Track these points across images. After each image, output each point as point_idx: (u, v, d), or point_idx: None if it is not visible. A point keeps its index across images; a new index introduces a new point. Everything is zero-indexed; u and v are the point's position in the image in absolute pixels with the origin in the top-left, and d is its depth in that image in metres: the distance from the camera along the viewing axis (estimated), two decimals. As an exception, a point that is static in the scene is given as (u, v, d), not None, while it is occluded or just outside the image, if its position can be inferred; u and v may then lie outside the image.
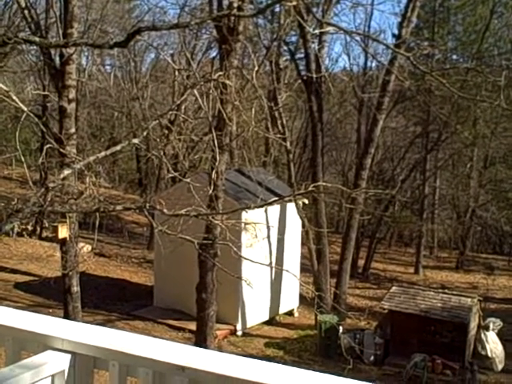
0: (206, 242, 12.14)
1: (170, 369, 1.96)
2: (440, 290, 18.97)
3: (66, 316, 13.36)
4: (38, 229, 26.19)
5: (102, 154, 8.39)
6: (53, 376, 2.07)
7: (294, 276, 11.74)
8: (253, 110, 12.77)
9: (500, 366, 17.06)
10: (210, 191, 9.90)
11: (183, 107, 24.11)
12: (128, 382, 2.13)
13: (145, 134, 8.75)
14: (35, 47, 20.58)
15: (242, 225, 13.73)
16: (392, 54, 20.05)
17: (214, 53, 27.39)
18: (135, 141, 8.51)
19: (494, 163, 32.50)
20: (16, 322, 2.25)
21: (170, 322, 18.43)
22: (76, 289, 13.66)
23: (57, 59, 13.28)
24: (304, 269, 21.87)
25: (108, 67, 36.64)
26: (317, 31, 17.44)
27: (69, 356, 2.10)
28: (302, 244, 21.63)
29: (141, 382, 2.05)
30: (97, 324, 11.37)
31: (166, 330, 17.85)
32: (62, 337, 2.13)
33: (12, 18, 22.89)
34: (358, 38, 22.68)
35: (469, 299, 17.29)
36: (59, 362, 2.08)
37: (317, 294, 13.98)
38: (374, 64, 30.92)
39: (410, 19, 20.22)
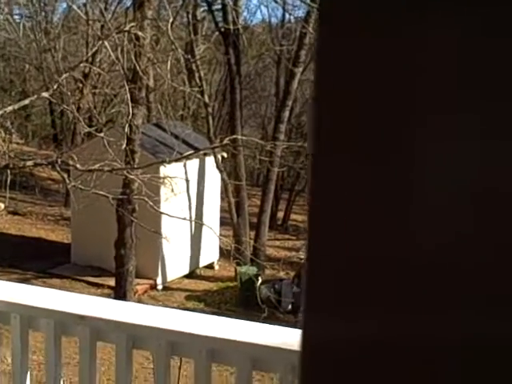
0: (123, 198, 12.03)
1: (71, 318, 2.00)
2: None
3: (-21, 276, 13.02)
4: None
5: (10, 108, 8.11)
6: (-49, 331, 2.06)
7: (211, 229, 11.86)
8: (169, 62, 12.57)
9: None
10: (124, 145, 9.78)
11: (98, 60, 23.35)
12: (30, 333, 2.14)
13: (55, 87, 8.50)
14: None
15: (160, 179, 13.66)
16: (309, 6, 20.09)
17: (128, 3, 26.49)
18: (45, 94, 8.27)
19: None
20: None
21: (89, 278, 18.26)
22: (-12, 248, 13.29)
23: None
24: (224, 222, 22.06)
25: (17, 17, 34.83)
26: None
27: (-33, 310, 2.09)
28: (222, 198, 21.76)
29: (43, 333, 2.08)
30: (11, 283, 11.14)
31: (84, 287, 17.70)
32: (-40, 291, 2.11)
33: None
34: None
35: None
36: (-43, 317, 2.07)
37: (235, 246, 14.23)
38: (292, 16, 30.85)
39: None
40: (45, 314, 2.05)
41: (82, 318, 1.98)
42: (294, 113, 31.07)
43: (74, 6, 19.98)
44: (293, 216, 31.11)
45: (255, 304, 17.06)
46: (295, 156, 30.09)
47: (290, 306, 17.24)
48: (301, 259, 18.47)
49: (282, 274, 19.64)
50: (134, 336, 1.94)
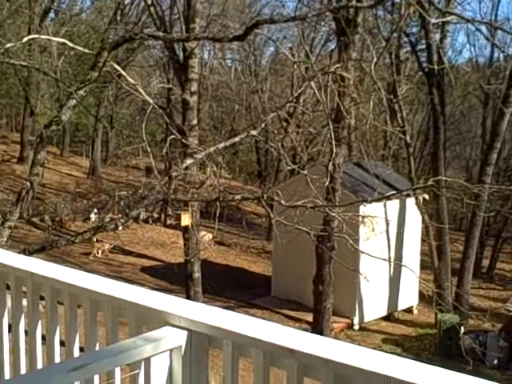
0: (323, 235, 12.15)
1: (280, 351, 2.00)
2: None
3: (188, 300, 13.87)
4: (163, 216, 27.30)
5: (222, 144, 8.64)
6: (171, 350, 2.16)
7: (412, 272, 11.48)
8: (371, 102, 12.58)
9: None
10: (327, 183, 9.89)
11: (302, 100, 24.17)
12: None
13: (263, 125, 8.90)
14: (160, 42, 21.48)
15: (360, 218, 13.59)
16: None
17: (332, 45, 27.13)
18: (253, 132, 8.69)
19: None
20: (138, 298, 2.39)
21: (287, 312, 18.62)
22: (197, 275, 14.18)
23: (180, 54, 13.79)
24: (424, 266, 21.28)
25: (229, 61, 37.45)
26: (439, 20, 16.85)
27: (186, 333, 2.19)
28: (422, 240, 21.05)
29: (253, 362, 2.11)
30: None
31: (282, 320, 18.03)
32: (180, 314, 2.22)
33: (139, 14, 24.01)
34: (483, 27, 21.66)
35: None
36: (177, 338, 2.17)
37: (437, 291, 13.60)
38: (501, 54, 29.34)
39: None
40: (255, 343, 2.07)
41: (291, 351, 1.97)
42: (503, 155, 29.38)
43: (283, 49, 20.94)
44: (499, 264, 29.14)
45: (456, 354, 16.07)
46: (503, 200, 28.26)
47: (495, 361, 15.99)
48: (509, 311, 17.12)
49: (486, 326, 18.34)
50: (342, 376, 1.89)
